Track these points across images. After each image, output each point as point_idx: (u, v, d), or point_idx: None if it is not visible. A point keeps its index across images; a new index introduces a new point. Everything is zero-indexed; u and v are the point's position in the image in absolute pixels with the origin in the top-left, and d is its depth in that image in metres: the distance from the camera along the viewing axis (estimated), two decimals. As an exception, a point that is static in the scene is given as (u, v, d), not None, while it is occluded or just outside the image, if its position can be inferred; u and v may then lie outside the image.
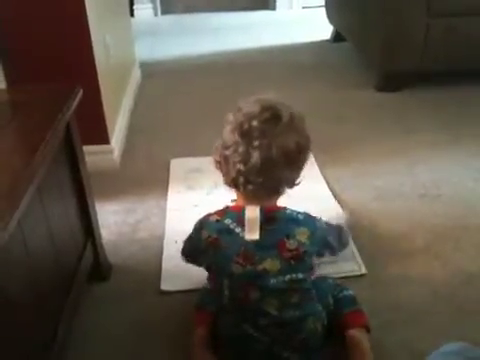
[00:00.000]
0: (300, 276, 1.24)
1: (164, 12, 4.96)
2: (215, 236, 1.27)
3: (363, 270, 1.61)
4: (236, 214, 1.26)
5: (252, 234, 1.21)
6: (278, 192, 1.27)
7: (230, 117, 1.23)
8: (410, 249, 1.71)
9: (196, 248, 1.36)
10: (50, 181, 1.25)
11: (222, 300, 1.29)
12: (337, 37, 3.78)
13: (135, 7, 4.80)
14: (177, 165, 2.26)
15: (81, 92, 1.41)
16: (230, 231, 1.25)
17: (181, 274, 1.63)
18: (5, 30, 1.93)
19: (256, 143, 1.17)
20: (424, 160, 2.22)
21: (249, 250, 1.22)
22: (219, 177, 1.30)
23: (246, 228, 1.22)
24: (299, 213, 1.27)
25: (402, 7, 2.70)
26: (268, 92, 1.29)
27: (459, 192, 2.00)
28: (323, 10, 3.89)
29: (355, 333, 1.32)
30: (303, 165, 1.26)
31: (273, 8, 4.94)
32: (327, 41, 3.91)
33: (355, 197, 1.98)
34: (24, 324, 1.08)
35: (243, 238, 1.22)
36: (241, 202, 1.27)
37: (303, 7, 4.92)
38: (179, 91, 3.09)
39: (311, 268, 1.28)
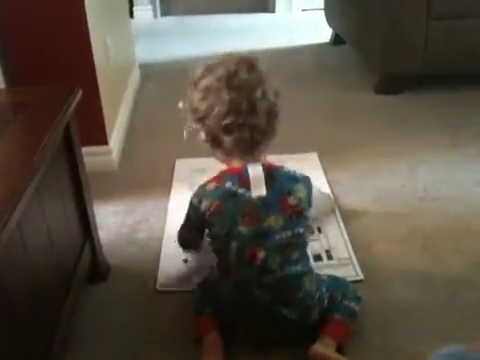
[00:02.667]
0: (300, 231, 1.30)
1: (164, 14, 4.96)
2: (217, 202, 1.29)
3: (360, 276, 1.60)
4: (236, 176, 1.29)
5: (259, 190, 1.26)
6: (260, 146, 1.29)
7: (205, 81, 1.30)
8: (410, 251, 1.70)
9: (197, 226, 1.40)
10: (49, 182, 1.25)
11: (228, 266, 1.33)
12: (336, 40, 3.78)
13: (135, 8, 4.80)
14: (182, 165, 2.26)
15: (80, 93, 1.41)
16: (233, 193, 1.28)
17: (178, 274, 1.63)
18: (5, 31, 1.93)
19: (235, 85, 1.23)
20: (425, 162, 2.22)
21: (254, 209, 1.27)
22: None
23: (252, 186, 1.26)
24: (295, 172, 1.33)
25: (402, 9, 2.70)
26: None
27: (459, 194, 2.00)
28: (322, 13, 3.90)
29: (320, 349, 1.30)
30: (277, 116, 1.31)
31: (272, 10, 4.94)
32: (326, 44, 3.92)
33: (355, 199, 1.98)
34: (23, 325, 1.08)
35: (247, 198, 1.27)
36: (235, 164, 1.31)
37: (302, 10, 4.92)
38: (178, 93, 3.07)
39: (308, 224, 1.35)
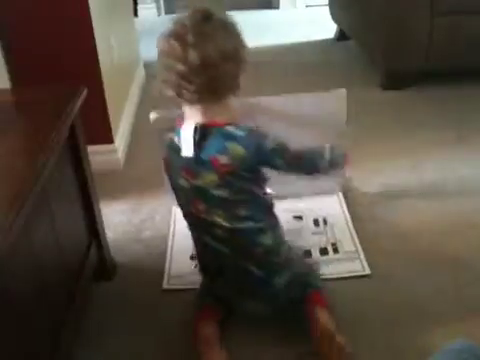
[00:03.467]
0: (242, 187, 1.30)
1: (168, 12, 4.96)
2: (166, 154, 1.37)
3: (367, 270, 1.60)
4: (178, 130, 1.31)
5: (186, 151, 1.29)
6: (220, 97, 1.28)
7: (160, 36, 1.25)
8: (416, 248, 1.70)
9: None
10: (55, 181, 1.25)
11: (184, 217, 1.41)
12: (341, 36, 3.77)
13: (139, 7, 4.80)
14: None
15: (85, 92, 1.41)
16: (176, 148, 1.32)
17: (185, 272, 1.63)
18: (9, 31, 1.93)
19: (191, 41, 1.19)
20: (429, 158, 2.21)
21: (188, 166, 1.31)
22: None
23: (182, 146, 1.29)
24: (241, 129, 1.28)
25: (406, 5, 2.69)
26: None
27: (465, 190, 1.99)
28: (327, 9, 3.88)
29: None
30: (240, 68, 1.29)
31: (277, 7, 4.92)
32: (331, 40, 3.90)
33: (360, 195, 1.98)
34: (30, 323, 1.08)
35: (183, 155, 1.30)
36: (187, 115, 1.31)
37: (307, 6, 4.90)
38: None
39: (256, 181, 1.32)
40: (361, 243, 1.71)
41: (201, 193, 1.31)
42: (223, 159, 1.27)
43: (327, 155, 1.39)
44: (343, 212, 1.85)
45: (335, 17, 3.78)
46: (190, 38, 1.19)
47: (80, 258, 1.46)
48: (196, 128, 1.27)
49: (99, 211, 1.60)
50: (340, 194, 1.96)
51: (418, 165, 2.17)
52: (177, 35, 1.21)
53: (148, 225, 1.88)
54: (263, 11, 4.89)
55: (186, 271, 1.64)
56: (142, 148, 2.43)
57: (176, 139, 1.32)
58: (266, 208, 1.38)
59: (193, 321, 1.40)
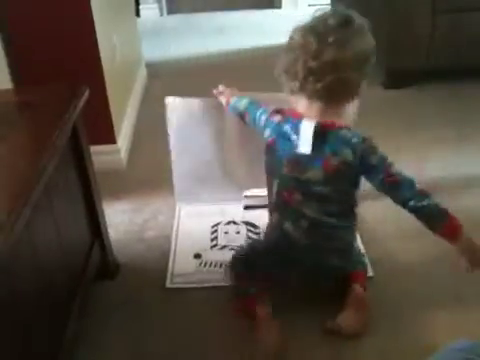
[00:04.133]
0: (342, 188, 1.37)
1: (170, 12, 4.96)
2: (274, 137, 1.39)
3: (370, 273, 1.60)
4: (295, 122, 1.35)
5: (305, 148, 1.32)
6: (341, 100, 1.33)
7: (296, 29, 1.33)
8: (419, 248, 1.70)
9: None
10: (57, 181, 1.26)
11: (271, 199, 1.47)
12: (343, 35, 3.77)
13: (141, 7, 4.80)
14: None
15: (87, 92, 1.41)
16: (287, 136, 1.36)
17: (188, 271, 1.64)
18: (11, 31, 1.94)
19: (331, 39, 1.23)
20: (431, 157, 2.21)
21: (297, 159, 1.35)
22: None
23: (300, 141, 1.33)
24: (356, 136, 1.33)
25: (407, 3, 2.69)
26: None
27: (468, 189, 1.99)
28: (329, 8, 3.88)
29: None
30: (367, 74, 1.32)
31: (279, 6, 4.93)
32: (333, 39, 3.90)
33: (364, 195, 1.97)
34: (33, 323, 1.08)
35: (295, 146, 1.34)
36: (302, 109, 1.33)
37: (309, 5, 4.90)
38: (185, 90, 3.07)
39: (355, 185, 1.40)
40: (364, 244, 1.70)
41: (301, 185, 1.37)
42: (334, 160, 1.32)
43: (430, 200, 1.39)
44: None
45: (337, 16, 3.78)
46: (330, 38, 1.23)
47: (83, 258, 1.46)
48: (317, 127, 1.31)
49: (102, 211, 1.60)
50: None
51: (420, 164, 2.16)
52: (317, 32, 1.25)
53: (151, 225, 1.88)
54: (265, 10, 4.89)
55: (189, 270, 1.64)
56: (145, 148, 2.43)
57: (288, 129, 1.36)
58: (353, 207, 1.45)
59: (245, 307, 1.44)
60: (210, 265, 1.66)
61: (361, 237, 1.72)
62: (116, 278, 1.65)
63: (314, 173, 1.34)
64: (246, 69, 3.31)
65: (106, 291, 1.59)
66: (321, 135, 1.32)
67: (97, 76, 2.04)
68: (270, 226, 1.54)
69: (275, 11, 4.90)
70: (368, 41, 1.30)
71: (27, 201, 0.98)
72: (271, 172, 1.46)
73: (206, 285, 1.59)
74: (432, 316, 1.44)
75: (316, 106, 1.31)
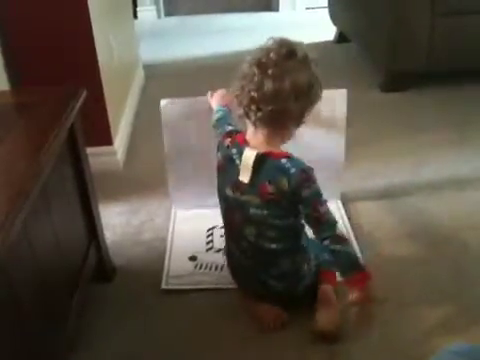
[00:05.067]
0: (279, 213, 1.37)
1: (167, 14, 4.96)
2: (222, 161, 1.45)
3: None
4: (240, 147, 1.39)
5: (244, 177, 1.37)
6: (284, 127, 1.36)
7: (248, 57, 1.35)
8: (416, 249, 1.70)
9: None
10: (54, 182, 1.25)
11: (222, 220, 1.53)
12: (341, 38, 3.77)
13: (138, 9, 4.81)
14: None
15: (85, 93, 1.41)
16: (232, 160, 1.40)
17: (184, 273, 1.64)
18: (8, 31, 1.94)
19: (270, 72, 1.27)
20: (430, 159, 2.21)
21: (240, 182, 1.38)
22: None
23: (241, 168, 1.37)
24: (294, 165, 1.33)
25: (406, 6, 2.69)
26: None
27: (465, 191, 1.99)
28: (326, 11, 3.89)
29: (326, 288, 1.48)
30: (310, 106, 1.36)
31: (276, 9, 4.93)
32: (331, 42, 3.91)
33: (360, 197, 1.98)
34: (30, 324, 1.08)
35: (238, 171, 1.38)
36: (249, 135, 1.39)
37: (306, 8, 4.91)
38: (183, 92, 3.07)
39: (295, 212, 1.37)
40: (361, 244, 1.70)
41: (241, 207, 1.40)
42: (270, 188, 1.34)
43: (349, 247, 1.36)
44: (341, 217, 1.84)
45: (335, 19, 3.79)
46: (270, 70, 1.27)
47: (79, 259, 1.46)
48: (257, 156, 1.34)
49: (98, 213, 1.60)
50: (338, 201, 1.94)
51: (419, 166, 2.17)
52: (260, 64, 1.30)
53: (147, 227, 1.88)
54: (262, 13, 4.90)
55: (185, 272, 1.64)
56: (142, 150, 2.43)
57: (234, 153, 1.40)
58: (295, 233, 1.45)
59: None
60: (205, 267, 1.66)
61: (356, 241, 1.72)
62: (113, 280, 1.64)
63: (252, 197, 1.37)
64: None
65: (102, 292, 1.59)
66: (261, 162, 1.34)
67: (94, 78, 2.04)
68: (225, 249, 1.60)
69: (272, 14, 4.91)
70: (309, 72, 1.32)
71: (24, 202, 0.98)
72: (219, 192, 1.48)
73: (201, 287, 1.59)
74: (429, 319, 1.44)
75: (261, 132, 1.35)
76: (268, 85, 1.27)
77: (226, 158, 1.43)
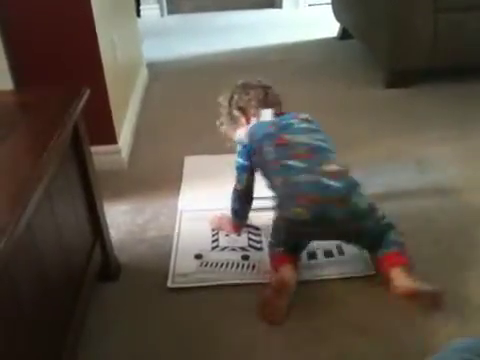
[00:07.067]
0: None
1: (170, 12, 4.97)
2: (258, 140, 1.73)
3: (372, 271, 1.60)
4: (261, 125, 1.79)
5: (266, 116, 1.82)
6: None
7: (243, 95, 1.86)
8: (420, 247, 1.69)
9: None
10: (59, 181, 1.26)
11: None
12: (344, 34, 3.77)
13: (141, 7, 4.81)
14: (191, 162, 2.27)
15: (88, 92, 1.41)
16: (262, 129, 1.73)
17: (190, 271, 1.64)
18: (12, 31, 1.94)
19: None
20: (433, 156, 2.21)
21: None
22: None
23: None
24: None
25: (408, 3, 2.69)
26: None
27: (470, 189, 1.98)
28: (329, 8, 3.89)
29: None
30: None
31: (279, 6, 4.93)
32: (334, 39, 3.91)
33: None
34: (34, 324, 1.08)
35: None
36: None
37: (309, 5, 4.91)
38: (186, 91, 3.09)
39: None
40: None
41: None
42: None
43: None
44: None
45: (338, 16, 3.78)
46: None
47: (84, 258, 1.46)
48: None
49: (103, 211, 1.60)
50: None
51: (422, 163, 2.16)
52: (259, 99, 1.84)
53: (152, 225, 1.88)
54: (266, 10, 4.90)
55: (191, 270, 1.64)
56: (146, 148, 2.43)
57: (255, 127, 1.78)
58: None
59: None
60: (211, 265, 1.66)
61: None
62: (117, 278, 1.64)
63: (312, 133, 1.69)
64: (246, 69, 3.32)
65: (108, 291, 1.59)
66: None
67: (98, 76, 2.05)
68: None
69: (276, 11, 4.91)
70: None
71: (28, 202, 0.98)
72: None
73: (207, 284, 1.59)
74: (434, 315, 1.44)
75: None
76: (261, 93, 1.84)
77: (259, 137, 1.68)
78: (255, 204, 1.79)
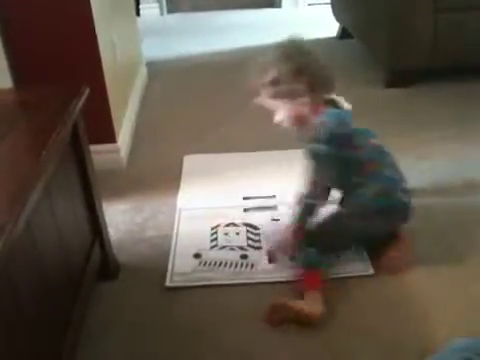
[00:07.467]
0: None
1: (170, 11, 4.96)
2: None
3: (370, 271, 1.60)
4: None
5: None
6: None
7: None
8: (420, 245, 1.69)
9: None
10: (58, 180, 1.25)
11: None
12: (343, 34, 3.77)
13: (141, 6, 4.81)
14: (190, 161, 2.27)
15: (88, 91, 1.41)
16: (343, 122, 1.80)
17: (188, 270, 1.64)
18: (11, 30, 1.94)
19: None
20: (433, 155, 2.21)
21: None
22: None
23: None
24: None
25: (409, 2, 2.69)
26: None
27: (469, 187, 1.98)
28: (329, 7, 3.88)
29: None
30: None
31: (279, 6, 4.93)
32: (333, 38, 3.90)
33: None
34: (33, 323, 1.08)
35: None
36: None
37: (309, 4, 4.91)
38: (186, 90, 3.08)
39: None
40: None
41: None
42: None
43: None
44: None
45: (337, 15, 3.78)
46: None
47: (83, 257, 1.46)
48: None
49: (102, 210, 1.60)
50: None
51: (421, 163, 2.16)
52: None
53: (151, 224, 1.88)
54: (265, 10, 4.90)
55: (189, 269, 1.64)
56: (145, 147, 2.43)
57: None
58: None
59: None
60: (210, 264, 1.66)
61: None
62: (116, 277, 1.64)
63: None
64: (246, 68, 3.32)
65: (107, 290, 1.59)
66: None
67: (97, 75, 2.04)
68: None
69: (275, 10, 4.91)
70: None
71: (27, 201, 0.98)
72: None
73: (206, 283, 1.59)
74: (433, 315, 1.44)
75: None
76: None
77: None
78: (254, 204, 1.79)
